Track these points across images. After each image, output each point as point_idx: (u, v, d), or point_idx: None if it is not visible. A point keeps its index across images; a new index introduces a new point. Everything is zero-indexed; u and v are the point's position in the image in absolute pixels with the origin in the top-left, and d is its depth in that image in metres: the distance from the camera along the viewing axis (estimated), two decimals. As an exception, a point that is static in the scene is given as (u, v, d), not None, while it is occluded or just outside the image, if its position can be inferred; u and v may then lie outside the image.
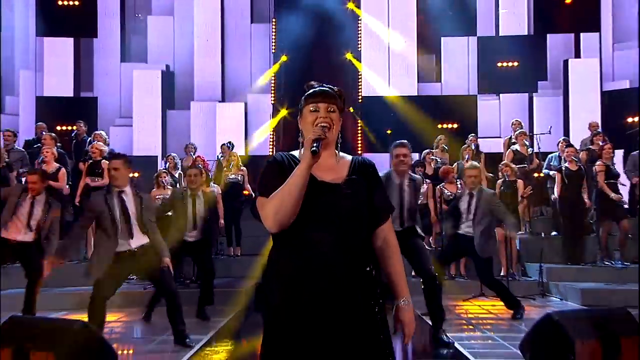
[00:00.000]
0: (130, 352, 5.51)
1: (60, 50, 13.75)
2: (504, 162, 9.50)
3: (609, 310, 4.91)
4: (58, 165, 8.70)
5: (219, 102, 13.93)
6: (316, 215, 2.17)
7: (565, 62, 13.66)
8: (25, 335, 4.06)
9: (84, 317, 4.84)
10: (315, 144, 2.10)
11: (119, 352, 5.61)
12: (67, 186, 8.93)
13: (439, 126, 12.78)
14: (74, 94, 13.73)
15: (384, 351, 2.21)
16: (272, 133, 13.87)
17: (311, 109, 2.26)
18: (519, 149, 10.13)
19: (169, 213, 6.97)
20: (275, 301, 2.22)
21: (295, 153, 2.34)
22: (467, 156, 9.81)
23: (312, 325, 2.14)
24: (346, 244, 2.20)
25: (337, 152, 2.35)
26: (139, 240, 5.29)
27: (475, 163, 7.76)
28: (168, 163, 10.18)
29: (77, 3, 13.66)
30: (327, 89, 2.32)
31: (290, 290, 2.18)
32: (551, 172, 9.90)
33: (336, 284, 2.16)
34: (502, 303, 7.50)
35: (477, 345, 5.45)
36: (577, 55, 14.04)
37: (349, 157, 2.37)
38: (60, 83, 13.64)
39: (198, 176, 6.87)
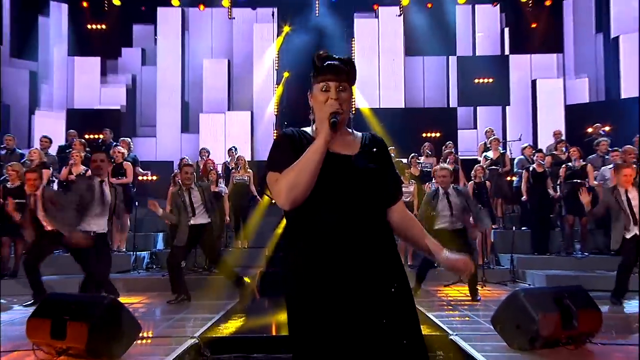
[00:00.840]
0: (152, 326, 5.60)
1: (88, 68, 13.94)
2: (477, 165, 9.62)
3: (567, 287, 5.08)
4: (85, 167, 8.84)
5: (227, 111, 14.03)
6: (331, 192, 1.87)
7: (534, 81, 13.91)
8: (62, 308, 4.20)
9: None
10: (334, 117, 1.87)
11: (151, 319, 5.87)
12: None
13: (423, 135, 12.86)
14: (100, 105, 13.80)
15: (420, 337, 1.91)
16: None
17: (322, 88, 1.94)
18: (491, 154, 10.28)
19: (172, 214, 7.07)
20: (301, 302, 1.87)
21: (307, 129, 2.03)
22: (448, 160, 9.96)
23: (345, 322, 1.80)
24: (367, 224, 1.90)
25: (348, 129, 2.06)
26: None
27: (446, 165, 7.83)
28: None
29: (104, 27, 13.82)
30: (336, 63, 1.96)
31: (316, 291, 1.84)
32: (519, 171, 10.03)
33: (363, 274, 1.85)
34: (479, 289, 7.64)
35: (456, 322, 5.58)
36: (544, 73, 14.20)
37: (359, 133, 2.10)
38: (87, 96, 13.81)
39: (192, 173, 6.95)
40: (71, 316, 4.11)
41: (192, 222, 6.76)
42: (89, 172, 8.70)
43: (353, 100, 2.14)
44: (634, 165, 7.08)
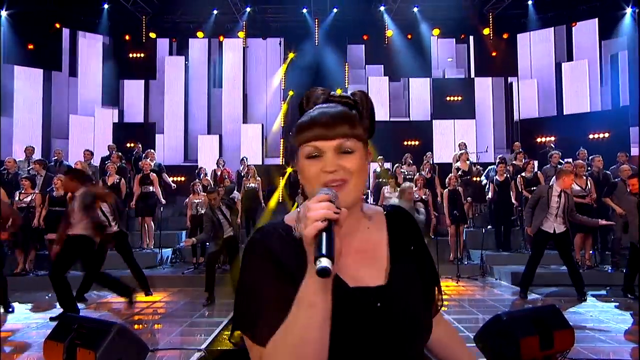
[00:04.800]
0: (165, 332, 4.86)
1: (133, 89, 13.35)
2: (450, 174, 8.89)
3: (543, 308, 4.35)
4: (118, 177, 8.11)
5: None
6: (358, 351, 0.87)
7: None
8: (75, 333, 3.50)
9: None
10: (323, 251, 0.74)
11: (166, 323, 5.10)
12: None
13: (405, 143, 12.21)
14: (144, 120, 13.21)
15: None
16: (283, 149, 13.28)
17: (308, 153, 0.89)
18: (461, 165, 9.53)
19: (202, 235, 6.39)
20: None
21: (292, 220, 0.93)
22: (426, 169, 9.22)
23: None
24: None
25: (363, 210, 1.00)
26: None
27: (409, 184, 6.96)
28: (201, 174, 9.54)
29: (142, 55, 13.18)
30: (330, 110, 0.91)
31: None
32: (484, 181, 9.34)
33: None
34: (454, 284, 6.95)
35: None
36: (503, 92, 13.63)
37: (377, 211, 1.05)
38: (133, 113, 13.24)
39: (217, 198, 6.22)
40: (82, 342, 3.43)
41: (225, 235, 6.13)
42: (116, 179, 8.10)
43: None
44: (573, 175, 6.56)
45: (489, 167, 9.67)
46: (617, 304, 5.85)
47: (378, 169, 9.91)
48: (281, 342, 0.80)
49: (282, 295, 0.83)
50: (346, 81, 13.66)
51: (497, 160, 9.37)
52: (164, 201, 8.68)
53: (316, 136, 0.89)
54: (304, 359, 0.78)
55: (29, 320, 5.32)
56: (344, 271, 0.89)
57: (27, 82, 11.92)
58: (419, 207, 6.82)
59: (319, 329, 0.79)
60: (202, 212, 7.61)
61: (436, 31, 13.53)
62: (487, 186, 9.07)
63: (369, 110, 0.97)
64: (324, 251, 0.74)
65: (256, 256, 0.90)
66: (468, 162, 9.59)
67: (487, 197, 8.98)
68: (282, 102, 13.64)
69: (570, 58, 12.86)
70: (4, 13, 11.59)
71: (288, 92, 13.54)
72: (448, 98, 13.11)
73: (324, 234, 0.75)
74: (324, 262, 0.73)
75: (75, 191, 5.21)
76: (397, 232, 1.01)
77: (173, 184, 9.58)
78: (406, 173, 9.47)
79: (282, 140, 13.29)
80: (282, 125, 13.49)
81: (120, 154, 9.18)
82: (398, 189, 8.43)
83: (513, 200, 8.62)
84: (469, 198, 8.87)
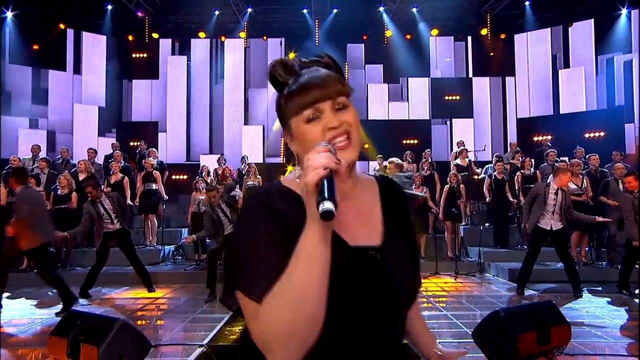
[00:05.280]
0: (167, 328, 4.84)
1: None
2: (451, 172, 8.86)
3: (540, 304, 4.32)
4: (122, 175, 8.08)
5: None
6: (353, 315, 0.86)
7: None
8: (78, 329, 3.49)
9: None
10: (326, 195, 0.73)
11: (169, 319, 5.08)
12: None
13: (404, 141, 12.18)
14: (151, 119, 13.21)
15: None
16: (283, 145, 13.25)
17: (308, 117, 0.89)
18: (460, 162, 9.50)
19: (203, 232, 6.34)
20: None
21: (289, 183, 0.93)
22: (425, 167, 9.19)
23: None
24: (394, 338, 0.96)
25: (356, 173, 0.99)
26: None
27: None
28: (203, 172, 9.51)
29: (145, 55, 13.14)
30: (319, 72, 0.92)
31: None
32: (483, 176, 9.34)
33: None
34: (452, 280, 6.94)
35: (436, 325, 4.82)
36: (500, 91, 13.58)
37: (369, 179, 1.04)
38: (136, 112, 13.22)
39: (217, 195, 6.17)
40: (85, 337, 3.41)
41: (226, 232, 6.09)
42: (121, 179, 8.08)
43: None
44: (570, 173, 6.55)
45: (487, 166, 9.67)
46: (613, 300, 5.83)
47: (377, 167, 9.88)
48: (279, 295, 0.76)
49: (280, 249, 0.80)
50: (346, 80, 13.63)
51: (494, 159, 9.35)
52: (166, 197, 8.65)
53: (314, 98, 0.89)
54: (302, 312, 0.75)
55: (34, 316, 5.31)
56: (343, 230, 0.88)
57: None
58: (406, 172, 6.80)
59: (317, 282, 0.76)
60: (204, 209, 7.60)
61: (435, 31, 13.50)
62: (485, 183, 9.06)
63: (341, 70, 1.00)
64: (326, 195, 0.73)
65: (253, 211, 0.87)
66: (467, 160, 9.57)
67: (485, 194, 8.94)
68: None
69: (567, 58, 12.82)
70: (9, 14, 11.55)
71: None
72: (447, 98, 13.08)
73: (326, 181, 0.74)
74: (327, 204, 0.72)
75: (16, 189, 5.15)
76: (388, 200, 1.01)
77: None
78: (407, 170, 9.40)
79: (282, 139, 13.27)
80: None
81: (122, 153, 9.11)
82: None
83: (511, 199, 8.58)
84: (463, 200, 8.81)
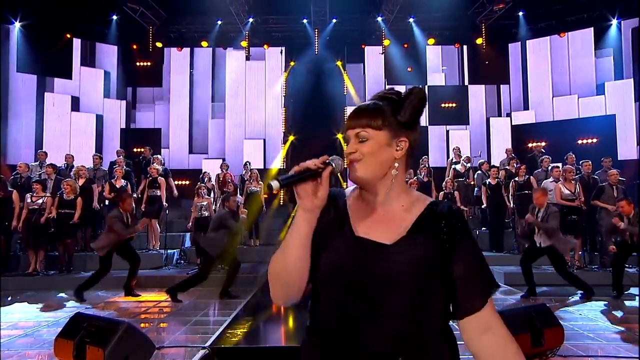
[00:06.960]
0: (170, 331, 4.85)
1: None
2: (447, 178, 8.90)
3: (534, 307, 4.34)
4: (125, 181, 8.11)
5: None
6: (353, 289, 0.99)
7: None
8: (85, 331, 3.51)
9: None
10: (279, 177, 0.97)
11: (172, 322, 5.09)
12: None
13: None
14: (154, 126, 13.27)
15: None
16: (284, 156, 13.28)
17: (345, 138, 1.11)
18: (458, 167, 9.53)
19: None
20: None
21: (348, 190, 1.16)
22: (423, 173, 9.22)
23: None
24: (403, 337, 0.97)
25: (406, 193, 1.09)
26: None
27: None
28: (205, 178, 9.53)
29: (149, 64, 13.20)
30: (362, 105, 1.09)
31: None
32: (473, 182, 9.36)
33: None
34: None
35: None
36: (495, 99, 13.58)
37: (425, 201, 1.09)
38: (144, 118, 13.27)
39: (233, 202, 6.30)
40: (91, 340, 3.44)
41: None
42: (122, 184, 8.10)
43: (401, 155, 1.07)
44: (544, 192, 6.40)
45: (477, 172, 9.71)
46: (605, 302, 5.85)
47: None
48: (277, 252, 1.04)
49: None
50: (344, 87, 13.65)
51: (485, 164, 9.40)
52: (166, 204, 8.68)
53: (347, 126, 1.09)
54: (284, 266, 1.02)
55: (40, 319, 5.32)
56: (360, 224, 1.06)
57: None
58: None
59: (297, 244, 1.01)
60: (206, 214, 7.64)
61: (431, 40, 13.58)
62: (477, 188, 9.09)
63: (411, 102, 1.07)
64: (280, 177, 0.97)
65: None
66: (467, 165, 9.63)
67: (481, 198, 8.98)
68: (283, 108, 13.63)
69: (559, 66, 12.88)
70: (17, 24, 11.63)
71: (289, 99, 13.49)
72: (443, 105, 13.15)
73: (293, 172, 0.98)
74: (274, 182, 0.96)
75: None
76: (429, 220, 1.05)
77: (176, 192, 9.20)
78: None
79: (282, 145, 13.28)
80: (284, 130, 13.48)
81: (126, 160, 9.15)
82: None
83: (507, 202, 8.59)
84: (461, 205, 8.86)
